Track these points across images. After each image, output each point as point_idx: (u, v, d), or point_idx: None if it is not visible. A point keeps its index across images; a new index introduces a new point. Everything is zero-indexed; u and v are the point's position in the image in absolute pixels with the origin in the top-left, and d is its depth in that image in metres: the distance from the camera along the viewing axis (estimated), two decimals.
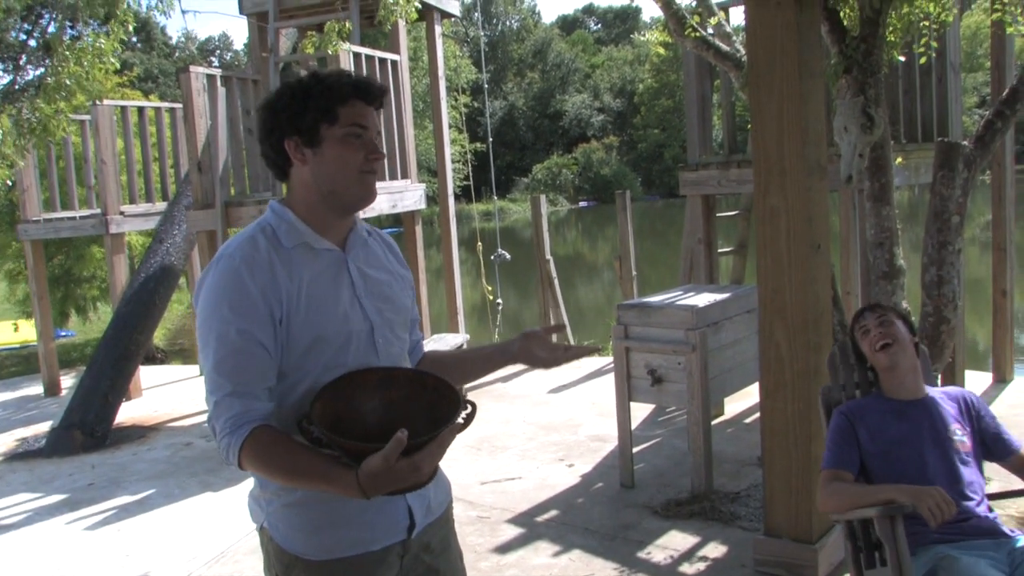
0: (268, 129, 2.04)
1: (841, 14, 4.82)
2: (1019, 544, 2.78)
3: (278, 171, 2.09)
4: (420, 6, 7.34)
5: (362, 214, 7.33)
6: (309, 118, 1.98)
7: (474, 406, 1.97)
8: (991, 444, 3.05)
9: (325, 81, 2.01)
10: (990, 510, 2.92)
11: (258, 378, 1.92)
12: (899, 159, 5.47)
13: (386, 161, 7.57)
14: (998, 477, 3.63)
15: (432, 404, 1.98)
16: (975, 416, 3.09)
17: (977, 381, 7.07)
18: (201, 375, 2.73)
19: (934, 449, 2.95)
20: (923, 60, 5.41)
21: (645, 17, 73.81)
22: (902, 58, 5.42)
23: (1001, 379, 7.16)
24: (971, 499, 2.88)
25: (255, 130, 2.12)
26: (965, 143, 4.69)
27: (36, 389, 10.22)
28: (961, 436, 2.99)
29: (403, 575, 2.10)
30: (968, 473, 2.94)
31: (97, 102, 8.82)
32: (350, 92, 2.00)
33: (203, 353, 1.94)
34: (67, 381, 10.34)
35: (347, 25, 7.51)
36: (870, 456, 3.00)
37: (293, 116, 1.99)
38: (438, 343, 7.95)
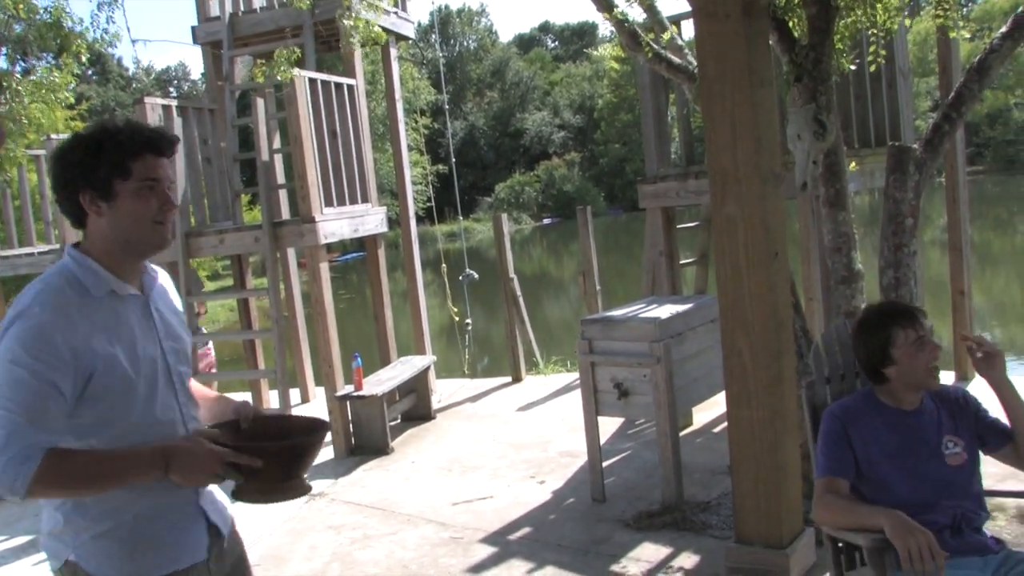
0: (62, 182, 2.11)
1: (790, 24, 4.88)
2: (1008, 556, 2.77)
3: (74, 220, 2.15)
4: (378, 29, 7.36)
5: (324, 239, 7.31)
6: (103, 173, 2.06)
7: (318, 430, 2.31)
8: (985, 435, 2.97)
9: (117, 136, 2.07)
10: (979, 528, 2.88)
11: (53, 419, 1.97)
12: (853, 164, 5.54)
13: (346, 185, 7.56)
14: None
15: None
16: (971, 415, 3.00)
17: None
18: None
19: (928, 463, 2.88)
20: (873, 67, 5.49)
21: (604, 31, 74.30)
22: (852, 66, 5.50)
23: (963, 376, 7.25)
24: (964, 516, 2.84)
25: (51, 178, 2.19)
26: (916, 146, 4.76)
27: None
28: (954, 449, 2.90)
29: None
30: (962, 488, 2.88)
31: (51, 135, 8.76)
32: (141, 147, 2.08)
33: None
34: None
35: (296, 52, 7.50)
36: (861, 463, 2.93)
37: (86, 171, 2.06)
38: (404, 365, 7.92)
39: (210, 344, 8.59)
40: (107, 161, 2.05)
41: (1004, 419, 2.99)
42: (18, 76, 7.58)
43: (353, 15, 6.98)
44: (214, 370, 8.63)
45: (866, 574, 2.86)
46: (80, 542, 2.10)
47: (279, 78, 6.59)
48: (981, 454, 3.00)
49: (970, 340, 3.03)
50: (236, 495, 2.18)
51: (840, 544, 3.05)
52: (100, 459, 2.03)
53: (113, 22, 7.35)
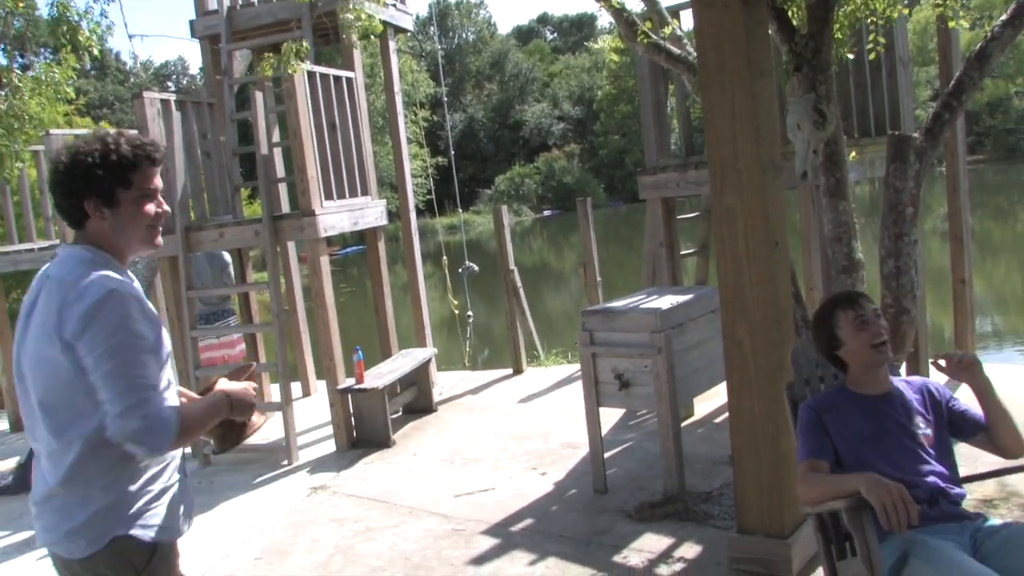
0: (66, 191, 2.35)
1: (789, 13, 4.87)
2: (983, 524, 2.86)
3: (72, 221, 2.40)
4: (377, 22, 7.34)
5: (324, 232, 7.29)
6: (107, 184, 2.32)
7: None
8: (959, 423, 3.08)
9: (118, 150, 2.34)
10: (957, 502, 2.94)
11: (163, 380, 2.32)
12: (853, 154, 5.53)
13: (346, 178, 7.56)
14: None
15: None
16: (942, 403, 3.11)
17: None
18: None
19: (902, 443, 2.97)
20: (872, 56, 5.48)
21: (603, 23, 74.17)
22: (852, 55, 5.48)
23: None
24: (940, 489, 2.90)
25: (54, 186, 2.45)
26: (916, 135, 4.75)
27: (1, 425, 10.07)
28: (924, 429, 3.01)
29: None
30: (936, 464, 2.96)
31: (50, 131, 8.74)
32: (140, 160, 2.36)
33: (125, 368, 2.21)
34: None
35: (304, 45, 7.47)
36: (840, 450, 3.02)
37: (92, 182, 2.32)
38: (405, 358, 7.92)
39: (241, 334, 8.67)
40: (110, 174, 2.31)
41: (976, 409, 3.09)
42: (17, 72, 7.55)
43: (352, 6, 6.95)
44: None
45: (857, 564, 2.89)
46: (138, 509, 2.34)
47: (289, 71, 6.54)
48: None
49: (939, 359, 3.11)
50: (222, 446, 2.54)
51: (830, 535, 3.10)
52: (200, 408, 2.39)
53: (106, 15, 7.29)
